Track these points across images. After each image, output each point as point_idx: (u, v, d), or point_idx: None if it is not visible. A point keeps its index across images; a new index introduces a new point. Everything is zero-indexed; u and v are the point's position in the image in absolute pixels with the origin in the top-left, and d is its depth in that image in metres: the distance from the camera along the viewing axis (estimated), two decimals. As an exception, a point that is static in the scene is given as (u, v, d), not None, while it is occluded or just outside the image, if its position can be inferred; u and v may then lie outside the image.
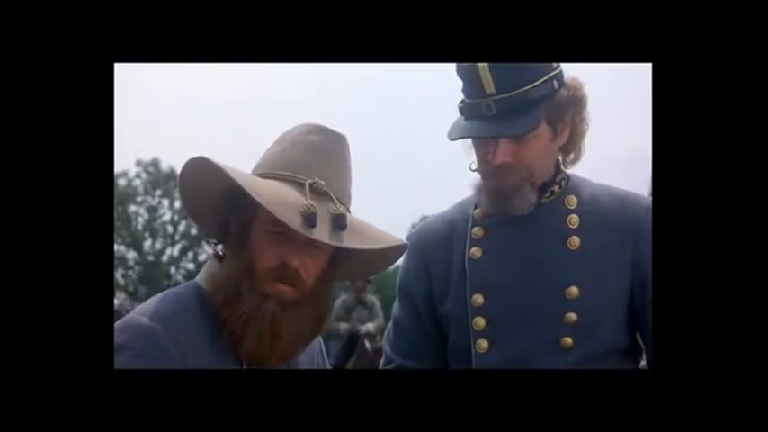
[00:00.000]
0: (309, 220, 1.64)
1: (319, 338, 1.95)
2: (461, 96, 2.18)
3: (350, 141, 1.80)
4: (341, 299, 10.40)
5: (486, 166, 2.14)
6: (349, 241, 1.70)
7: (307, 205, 1.65)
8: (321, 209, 1.67)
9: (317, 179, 1.71)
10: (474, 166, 2.20)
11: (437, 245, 2.25)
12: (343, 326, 9.90)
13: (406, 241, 1.83)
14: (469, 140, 2.21)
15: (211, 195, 1.76)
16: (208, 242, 1.82)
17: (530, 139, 2.12)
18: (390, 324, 2.36)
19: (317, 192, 1.70)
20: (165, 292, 1.77)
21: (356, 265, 1.85)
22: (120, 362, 1.60)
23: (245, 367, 1.72)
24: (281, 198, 1.66)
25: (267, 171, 1.74)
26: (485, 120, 2.10)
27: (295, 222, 1.64)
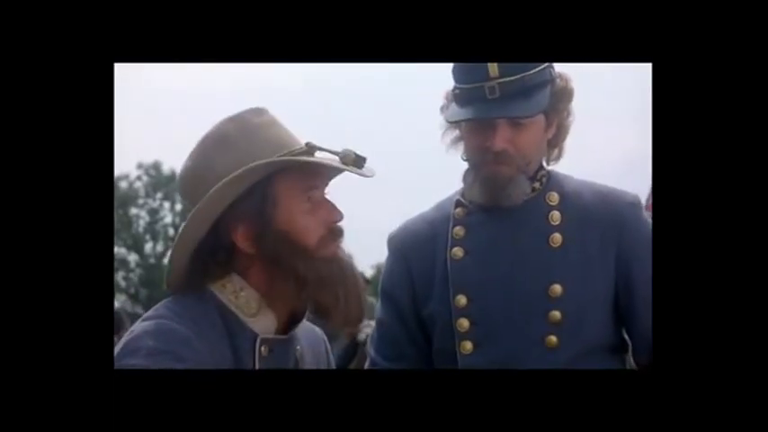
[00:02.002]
0: (359, 160, 1.68)
1: (324, 338, 1.96)
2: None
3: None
4: None
5: (484, 154, 2.12)
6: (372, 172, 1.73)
7: (343, 152, 1.68)
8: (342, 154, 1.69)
9: (306, 142, 1.72)
10: (465, 156, 2.18)
11: (419, 245, 2.23)
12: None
13: None
14: (457, 132, 2.20)
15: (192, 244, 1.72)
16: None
17: (527, 127, 2.11)
18: (374, 326, 2.34)
19: (315, 148, 1.71)
20: (177, 297, 1.74)
21: None
22: (163, 366, 1.59)
23: (257, 362, 1.72)
24: (326, 161, 1.69)
25: (257, 163, 1.69)
26: (488, 103, 2.08)
27: (360, 170, 1.68)
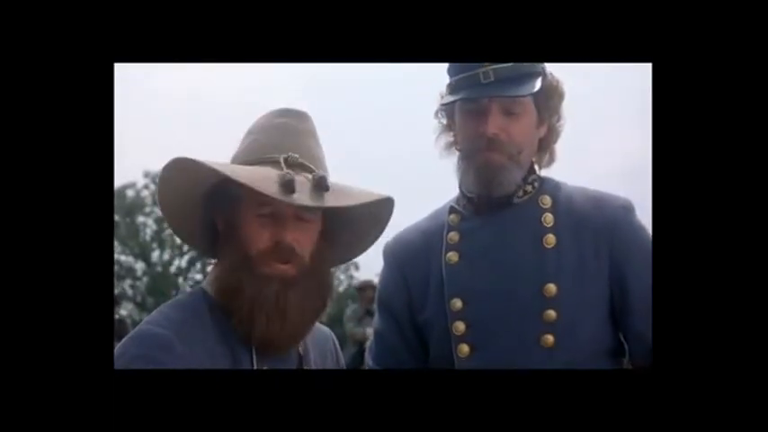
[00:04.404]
0: (288, 186, 1.67)
1: (332, 335, 1.99)
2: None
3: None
4: (350, 308, 10.44)
5: (477, 140, 2.14)
6: (330, 201, 1.73)
7: (282, 174, 1.69)
8: (299, 176, 1.71)
9: (290, 153, 1.75)
10: (459, 146, 2.21)
11: (413, 255, 2.25)
12: (360, 331, 9.90)
13: (389, 196, 1.85)
14: (451, 136, 2.23)
15: (195, 199, 1.79)
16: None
17: (519, 116, 2.14)
18: (372, 337, 2.36)
19: (292, 164, 1.75)
20: (172, 301, 1.79)
21: (350, 234, 1.89)
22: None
23: (255, 362, 1.74)
24: (259, 175, 1.70)
25: (243, 160, 1.78)
26: (482, 86, 2.12)
27: (273, 191, 1.67)
